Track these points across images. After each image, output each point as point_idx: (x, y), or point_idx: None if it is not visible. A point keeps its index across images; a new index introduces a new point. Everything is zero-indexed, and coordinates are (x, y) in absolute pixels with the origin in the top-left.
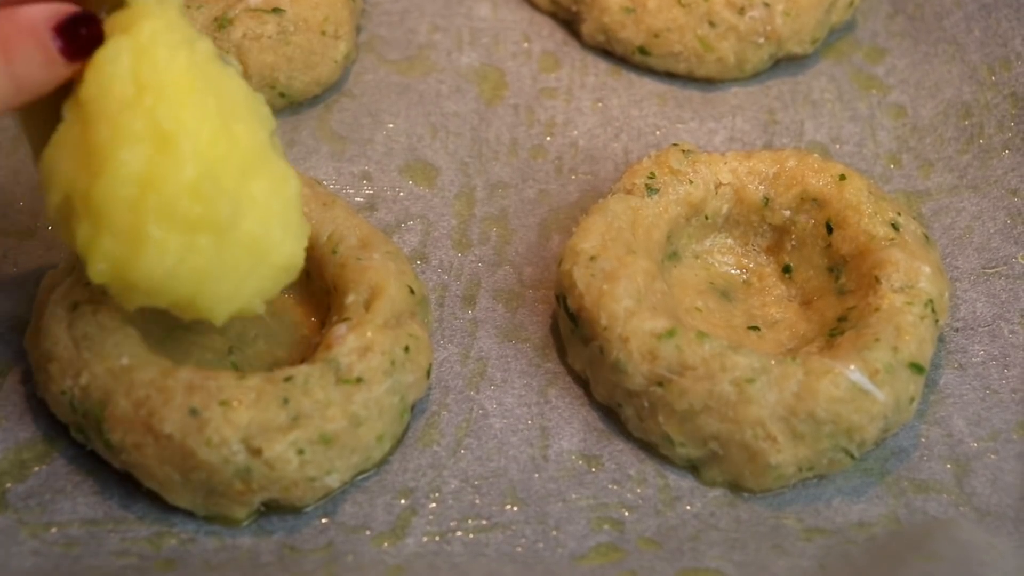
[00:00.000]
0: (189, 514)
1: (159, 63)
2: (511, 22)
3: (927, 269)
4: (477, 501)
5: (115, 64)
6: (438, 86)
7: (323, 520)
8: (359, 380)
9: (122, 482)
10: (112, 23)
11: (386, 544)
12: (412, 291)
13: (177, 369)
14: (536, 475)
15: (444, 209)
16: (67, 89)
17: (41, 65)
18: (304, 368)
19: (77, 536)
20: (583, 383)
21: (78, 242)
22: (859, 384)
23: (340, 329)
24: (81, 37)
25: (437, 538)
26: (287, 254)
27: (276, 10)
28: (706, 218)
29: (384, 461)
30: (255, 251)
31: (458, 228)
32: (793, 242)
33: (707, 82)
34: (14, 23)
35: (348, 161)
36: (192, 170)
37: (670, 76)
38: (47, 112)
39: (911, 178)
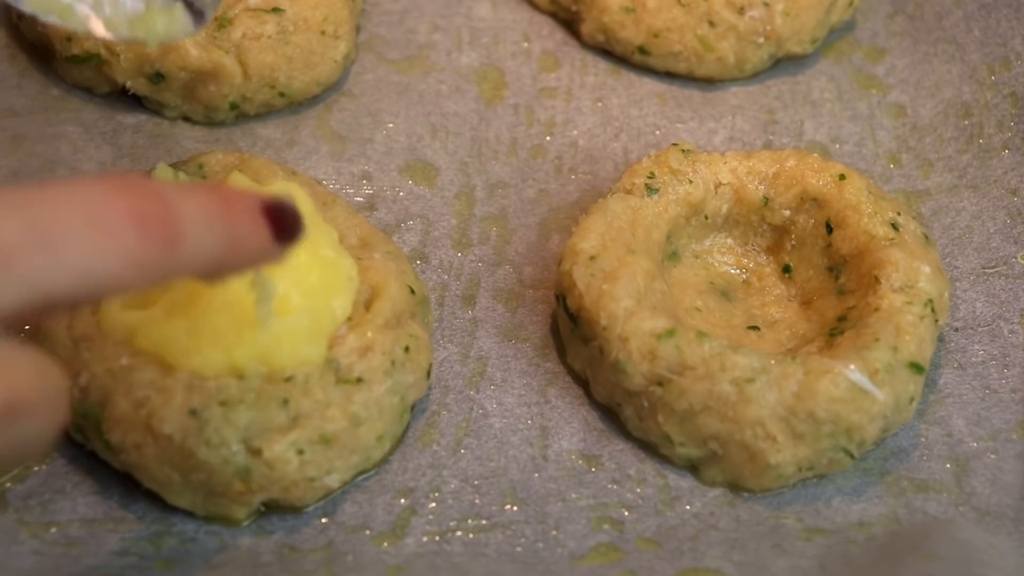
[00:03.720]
0: (189, 514)
1: None
2: (511, 22)
3: (927, 269)
4: (477, 501)
5: None
6: (438, 86)
7: (323, 520)
8: (359, 380)
9: (122, 482)
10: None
11: (386, 544)
12: (412, 291)
13: (176, 369)
14: (536, 475)
15: (444, 209)
16: None
17: (254, 235)
18: (304, 368)
19: (77, 536)
20: (583, 383)
21: (174, 336)
22: (859, 384)
23: (340, 329)
24: (288, 223)
25: (437, 538)
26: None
27: (276, 10)
28: (706, 218)
29: (384, 461)
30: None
31: (458, 228)
32: (793, 242)
33: (707, 82)
34: (234, 192)
35: (348, 161)
36: (306, 319)
37: (670, 76)
38: None
39: (911, 178)
